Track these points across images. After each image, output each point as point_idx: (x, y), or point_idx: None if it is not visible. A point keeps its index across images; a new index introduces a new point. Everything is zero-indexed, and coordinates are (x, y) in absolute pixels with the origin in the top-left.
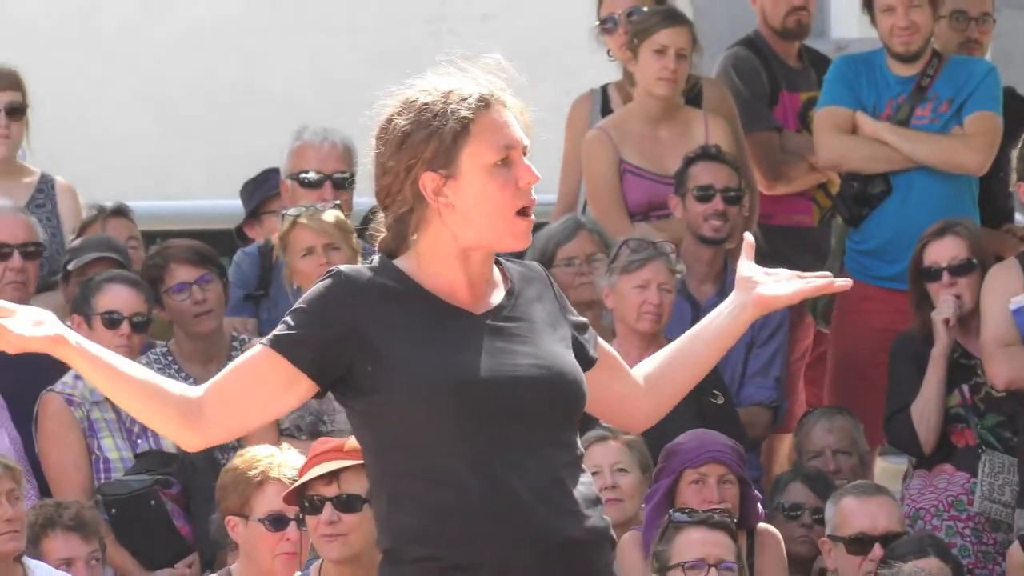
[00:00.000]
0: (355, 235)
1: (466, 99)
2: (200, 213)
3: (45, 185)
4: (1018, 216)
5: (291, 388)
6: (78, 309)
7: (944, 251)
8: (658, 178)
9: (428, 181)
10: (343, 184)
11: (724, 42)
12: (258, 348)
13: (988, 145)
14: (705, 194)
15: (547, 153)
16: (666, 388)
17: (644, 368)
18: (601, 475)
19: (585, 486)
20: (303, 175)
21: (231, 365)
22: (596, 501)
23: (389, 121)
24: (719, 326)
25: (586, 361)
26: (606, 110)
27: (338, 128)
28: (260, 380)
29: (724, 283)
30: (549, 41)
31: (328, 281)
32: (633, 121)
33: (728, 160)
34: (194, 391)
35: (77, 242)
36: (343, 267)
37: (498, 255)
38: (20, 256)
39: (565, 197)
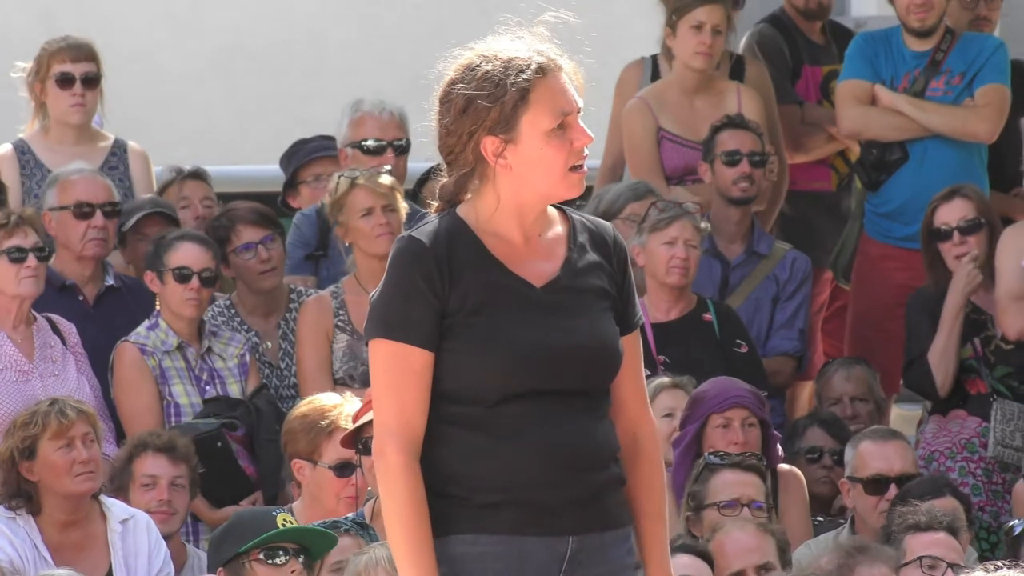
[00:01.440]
0: (403, 198)
1: (525, 69)
2: (258, 177)
3: (118, 149)
4: None
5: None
6: (151, 265)
7: (954, 212)
8: (693, 145)
9: (489, 145)
10: (401, 150)
11: (753, 19)
12: (396, 349)
13: (997, 115)
14: (732, 159)
15: (588, 121)
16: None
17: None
18: (673, 417)
19: (608, 438)
20: (364, 143)
21: (394, 383)
22: (614, 451)
23: (451, 85)
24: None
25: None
26: (655, 77)
27: (393, 99)
28: (426, 379)
29: (751, 241)
30: (591, 16)
31: (412, 253)
32: (671, 91)
33: (752, 127)
34: (416, 449)
35: (128, 205)
36: (420, 236)
37: (570, 210)
38: (102, 215)
39: (611, 156)
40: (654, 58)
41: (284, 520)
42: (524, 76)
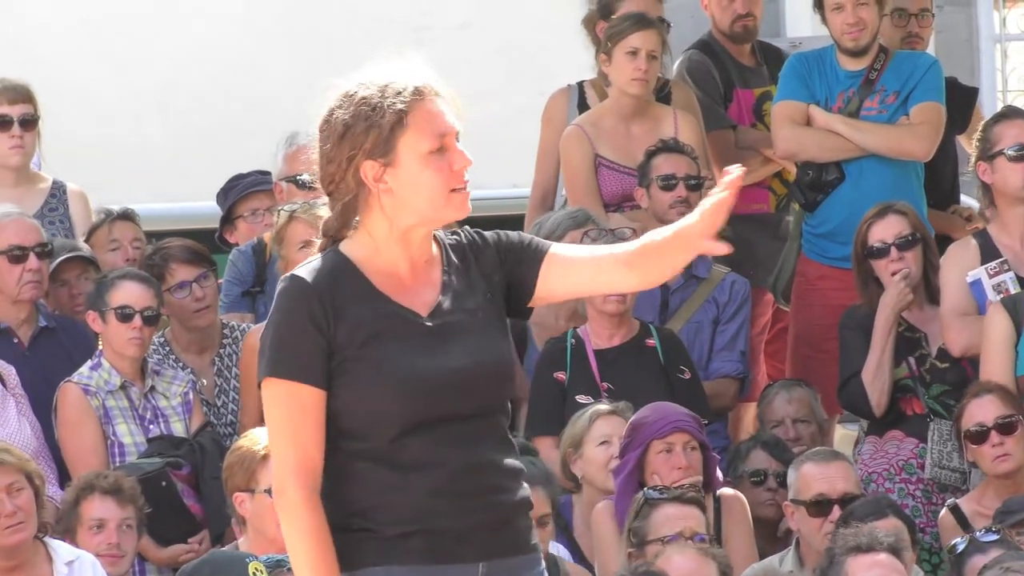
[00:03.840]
0: None
1: (401, 92)
2: (197, 214)
3: (57, 191)
4: (964, 197)
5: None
6: (93, 305)
7: (889, 229)
8: (631, 171)
9: (368, 169)
10: None
11: (686, 42)
12: (287, 387)
13: (933, 133)
14: (668, 183)
15: (526, 149)
16: (650, 261)
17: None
18: (610, 444)
19: (512, 459)
20: (299, 177)
21: (289, 421)
22: (520, 472)
23: (331, 113)
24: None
25: (530, 283)
26: (582, 104)
27: None
28: (319, 415)
29: (690, 265)
30: (524, 46)
31: (295, 292)
32: (608, 118)
33: (687, 151)
34: (316, 484)
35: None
36: (303, 274)
37: (438, 232)
38: (35, 257)
39: (541, 185)
40: (580, 85)
41: (255, 569)
42: (401, 99)
